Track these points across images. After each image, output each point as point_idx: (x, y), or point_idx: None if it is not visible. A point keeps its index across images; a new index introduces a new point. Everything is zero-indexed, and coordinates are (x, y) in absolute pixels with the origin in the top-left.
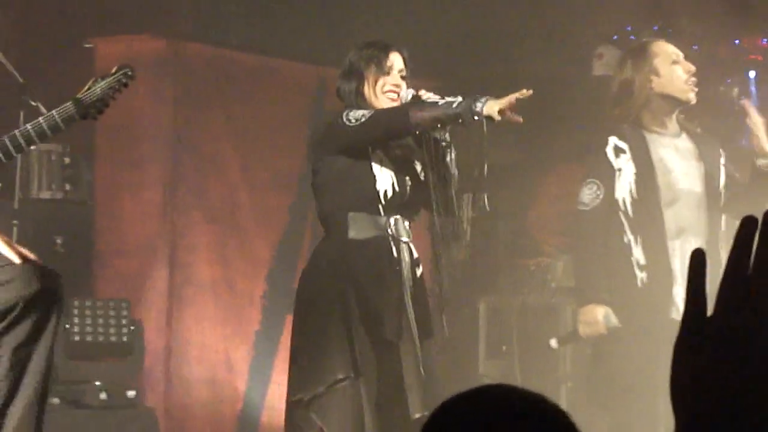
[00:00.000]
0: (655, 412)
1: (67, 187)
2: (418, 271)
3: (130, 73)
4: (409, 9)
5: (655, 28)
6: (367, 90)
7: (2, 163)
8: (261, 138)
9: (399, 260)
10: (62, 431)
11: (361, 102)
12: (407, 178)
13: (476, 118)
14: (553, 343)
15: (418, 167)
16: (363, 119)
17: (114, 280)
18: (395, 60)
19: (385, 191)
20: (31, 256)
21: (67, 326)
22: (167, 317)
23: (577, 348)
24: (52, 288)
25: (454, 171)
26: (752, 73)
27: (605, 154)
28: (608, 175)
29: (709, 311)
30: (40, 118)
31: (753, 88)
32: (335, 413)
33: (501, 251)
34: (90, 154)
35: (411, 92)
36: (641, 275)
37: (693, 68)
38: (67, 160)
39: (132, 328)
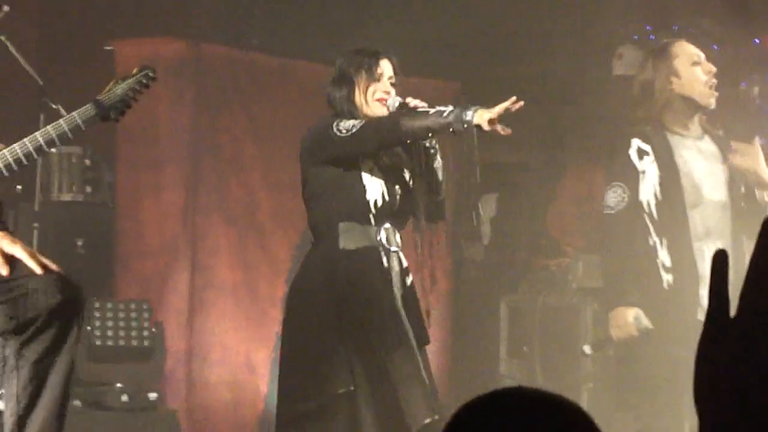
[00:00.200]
0: (680, 413)
1: (88, 189)
2: (408, 280)
3: (151, 74)
4: (429, 10)
5: (675, 27)
6: (358, 97)
7: (23, 166)
8: (281, 139)
9: (389, 269)
10: None
11: (351, 109)
12: (397, 187)
13: (466, 126)
14: (587, 349)
15: (407, 175)
16: (354, 130)
17: (135, 283)
18: (385, 67)
19: (375, 201)
20: (54, 266)
21: (89, 328)
22: (188, 319)
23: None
24: (74, 299)
25: (442, 177)
26: None
27: (629, 156)
28: (632, 177)
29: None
30: (61, 120)
31: None
32: (334, 427)
33: (521, 252)
34: (111, 156)
35: (398, 99)
36: (667, 277)
37: (713, 69)
38: (87, 162)
39: (153, 330)
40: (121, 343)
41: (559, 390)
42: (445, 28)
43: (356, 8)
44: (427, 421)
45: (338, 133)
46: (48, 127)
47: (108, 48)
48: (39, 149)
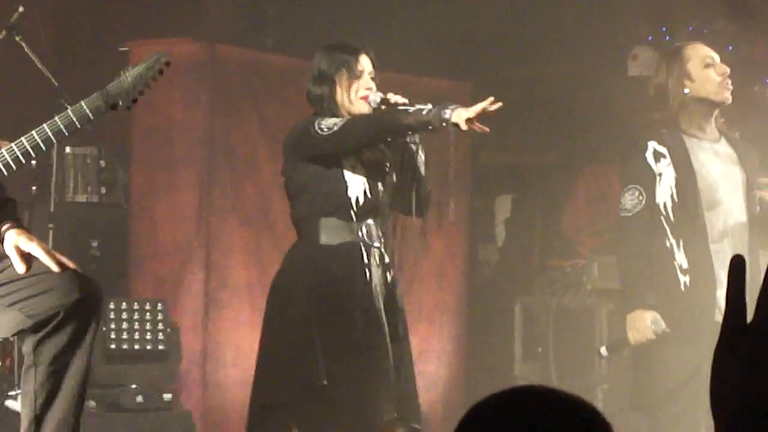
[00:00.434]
0: (697, 416)
1: (103, 190)
2: (389, 276)
3: (164, 59)
4: (441, 11)
5: (690, 28)
6: (340, 95)
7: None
8: None
9: (369, 265)
10: None
11: (333, 107)
12: (379, 183)
13: (444, 125)
14: (603, 351)
15: (390, 171)
16: (335, 128)
17: (149, 283)
18: (365, 63)
19: (357, 198)
20: (71, 264)
21: (104, 329)
22: (203, 320)
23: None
24: (92, 297)
25: (425, 172)
26: None
27: (645, 159)
28: (649, 180)
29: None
30: (68, 110)
31: None
32: (313, 419)
33: (536, 253)
34: (125, 157)
35: (379, 95)
36: (684, 279)
37: (727, 70)
38: (102, 163)
39: (168, 330)
40: (137, 346)
41: (573, 391)
42: (458, 28)
43: (369, 9)
44: (386, 418)
45: (319, 132)
46: (56, 117)
47: (123, 49)
48: (47, 140)
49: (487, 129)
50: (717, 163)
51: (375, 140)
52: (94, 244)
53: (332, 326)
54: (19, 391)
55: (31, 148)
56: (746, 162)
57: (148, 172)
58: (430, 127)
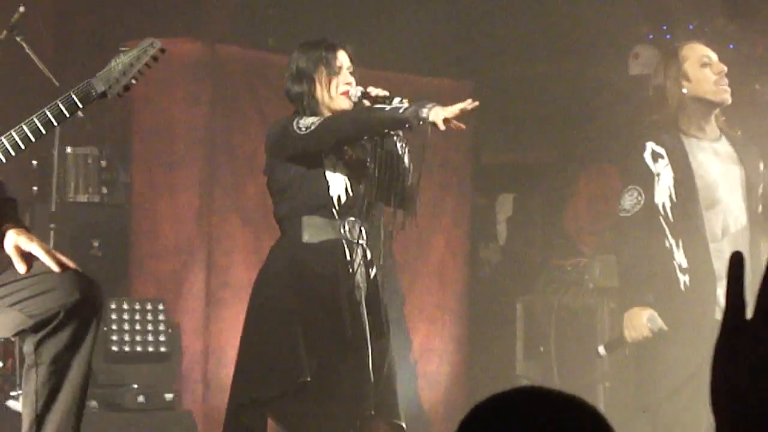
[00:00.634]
0: (698, 414)
1: (104, 190)
2: (372, 272)
3: (157, 46)
4: (442, 11)
5: (691, 27)
6: (320, 92)
7: (40, 165)
8: None
9: (352, 262)
10: None
11: (313, 104)
12: (361, 180)
13: (421, 123)
14: (601, 350)
15: (372, 166)
16: (312, 127)
17: (151, 283)
18: (343, 58)
19: (339, 196)
20: (71, 264)
21: (105, 329)
22: (204, 320)
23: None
24: (92, 297)
25: (408, 164)
26: None
27: (643, 159)
28: (647, 180)
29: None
30: (57, 100)
31: None
32: (295, 415)
33: (538, 252)
34: (126, 157)
35: (360, 89)
36: (684, 278)
37: (724, 68)
38: (103, 163)
39: (169, 330)
40: (138, 348)
41: (575, 390)
42: (459, 27)
43: (369, 8)
44: (365, 414)
45: (298, 131)
46: (45, 108)
47: (124, 49)
48: (36, 131)
49: (464, 126)
50: (716, 162)
51: (352, 138)
52: (96, 244)
53: (315, 323)
54: (20, 392)
55: (20, 140)
56: (747, 160)
57: (149, 171)
58: (407, 125)
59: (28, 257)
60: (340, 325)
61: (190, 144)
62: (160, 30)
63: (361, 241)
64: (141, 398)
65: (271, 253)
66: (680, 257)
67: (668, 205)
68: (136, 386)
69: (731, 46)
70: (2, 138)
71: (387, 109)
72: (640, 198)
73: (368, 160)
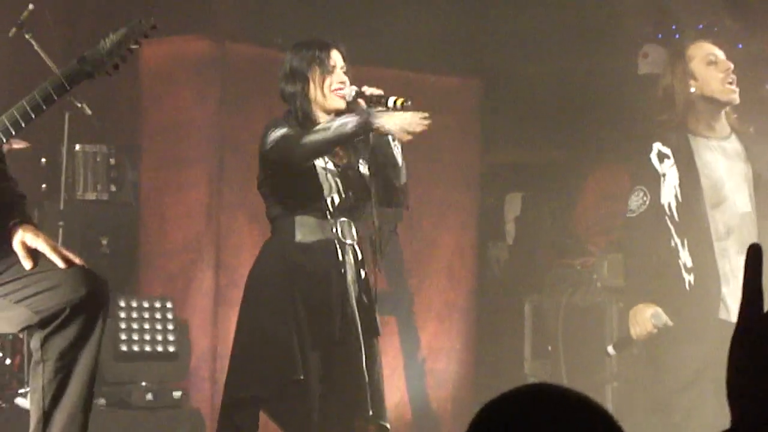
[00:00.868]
0: (705, 412)
1: (113, 187)
2: (363, 273)
3: (148, 23)
4: (452, 8)
5: (700, 26)
6: (313, 91)
7: (49, 163)
8: None
9: (344, 262)
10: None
11: (306, 104)
12: (353, 181)
13: (372, 132)
14: (610, 349)
15: (363, 167)
16: (273, 144)
17: (159, 281)
18: (336, 58)
19: (332, 198)
20: (77, 260)
21: (114, 328)
22: (213, 317)
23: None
24: (99, 293)
25: (401, 162)
26: None
27: (649, 160)
28: (653, 180)
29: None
30: (45, 81)
31: None
32: (289, 413)
33: (546, 251)
34: (135, 155)
35: (354, 89)
36: (689, 278)
37: (730, 66)
38: (112, 161)
39: (178, 329)
40: (147, 348)
41: (583, 389)
42: (467, 25)
43: (378, 6)
44: (364, 416)
45: (265, 143)
46: (34, 92)
47: (132, 46)
48: (26, 115)
49: (410, 137)
50: (723, 160)
51: (298, 159)
52: (104, 241)
53: (308, 322)
54: (29, 389)
55: (10, 125)
56: (757, 157)
57: (157, 169)
58: (359, 137)
59: (34, 253)
60: (331, 326)
61: (199, 142)
62: (169, 28)
63: (352, 242)
64: (149, 396)
65: (262, 251)
66: (685, 257)
67: (674, 205)
68: (144, 384)
69: (740, 46)
70: None
71: (332, 127)
72: (645, 198)
73: (361, 160)
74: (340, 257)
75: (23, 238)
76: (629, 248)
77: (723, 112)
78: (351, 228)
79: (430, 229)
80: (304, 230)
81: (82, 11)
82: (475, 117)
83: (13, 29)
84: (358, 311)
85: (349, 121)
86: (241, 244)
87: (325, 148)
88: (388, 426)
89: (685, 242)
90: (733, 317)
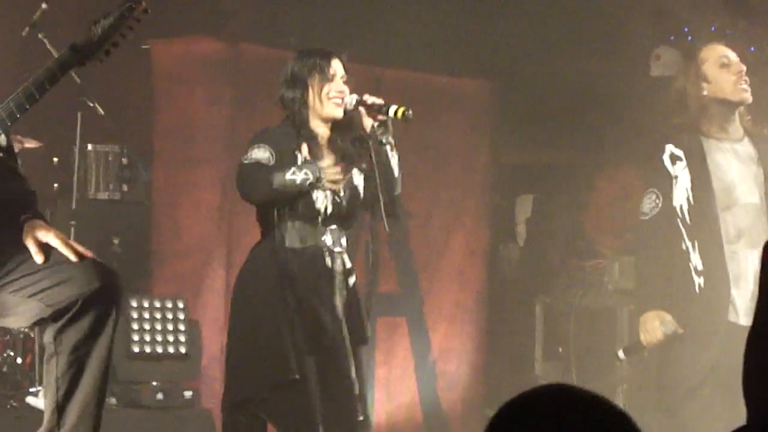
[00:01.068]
0: (716, 415)
1: (125, 187)
2: (351, 281)
3: (140, 6)
4: (466, 10)
5: (713, 29)
6: (312, 97)
7: (61, 163)
8: None
9: (332, 270)
10: (119, 431)
11: (305, 110)
12: (346, 191)
13: (319, 183)
14: (621, 354)
15: (357, 177)
16: (246, 162)
17: (171, 281)
18: (337, 66)
19: (325, 207)
20: (89, 253)
21: (125, 327)
22: (224, 318)
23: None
24: (112, 286)
25: (398, 173)
26: None
27: (662, 162)
28: (666, 183)
29: None
30: (39, 71)
31: None
32: (286, 412)
33: (557, 252)
34: (147, 155)
35: (355, 97)
36: (699, 280)
37: (743, 68)
38: (124, 160)
39: (189, 329)
40: (159, 349)
41: (594, 391)
42: (478, 27)
43: (389, 8)
44: (360, 419)
45: (243, 160)
46: (28, 82)
47: (145, 47)
48: (20, 106)
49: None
50: (735, 163)
51: (255, 201)
52: (116, 241)
53: (298, 326)
54: (39, 388)
55: (6, 115)
56: None
57: (170, 169)
58: (308, 183)
59: (45, 248)
60: (320, 331)
61: (211, 142)
62: (181, 29)
63: (341, 250)
64: (160, 395)
65: (251, 255)
66: (696, 259)
67: (686, 208)
68: (155, 384)
69: (752, 49)
70: None
71: (288, 171)
72: (657, 201)
73: (356, 170)
74: (329, 264)
75: (35, 233)
76: (640, 251)
77: (736, 114)
78: (341, 236)
79: (441, 230)
80: (294, 236)
81: (95, 11)
82: (487, 118)
83: (27, 29)
84: (345, 318)
85: (300, 175)
86: (252, 244)
87: (281, 198)
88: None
89: (696, 245)
90: (742, 320)
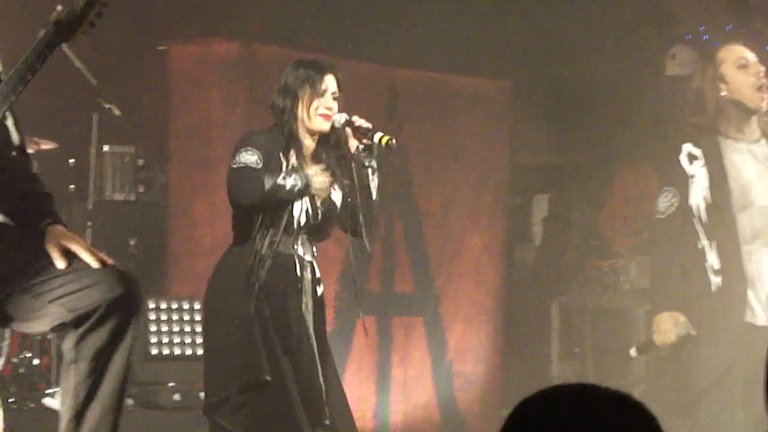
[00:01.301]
0: (732, 415)
1: (141, 188)
2: (319, 290)
3: None
4: (481, 10)
5: (729, 28)
6: (301, 110)
7: (77, 164)
8: None
9: (302, 278)
10: None
11: (293, 121)
12: (322, 205)
13: (314, 191)
14: (633, 352)
15: (336, 195)
16: (236, 166)
17: (187, 281)
18: (330, 82)
19: (299, 217)
20: (110, 261)
21: (142, 328)
22: None
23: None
24: (133, 293)
25: (376, 196)
26: None
27: (679, 161)
28: (682, 182)
29: None
30: (26, 53)
31: None
32: (258, 413)
33: (573, 252)
34: (163, 156)
35: (344, 116)
36: (716, 280)
37: (761, 70)
38: (140, 162)
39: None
40: (176, 351)
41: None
42: (496, 27)
43: (406, 8)
44: (326, 423)
45: (232, 164)
46: (18, 66)
47: (161, 48)
48: (14, 89)
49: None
50: (752, 164)
51: (247, 204)
52: (132, 242)
53: (270, 329)
54: (56, 390)
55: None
56: None
57: (185, 170)
58: (290, 195)
59: (67, 253)
60: (289, 336)
61: (227, 143)
62: (197, 30)
63: (311, 259)
64: (176, 396)
65: (225, 258)
66: (713, 259)
67: (702, 207)
68: (172, 384)
69: (767, 48)
70: None
71: (279, 181)
72: (674, 200)
73: (336, 187)
74: (299, 273)
75: (58, 239)
76: (656, 250)
77: (753, 116)
78: (311, 246)
79: (458, 230)
80: (266, 243)
81: (110, 11)
82: (503, 119)
83: (41, 30)
84: (312, 326)
85: (290, 181)
86: None
87: (272, 202)
88: None
89: (713, 244)
90: (759, 320)
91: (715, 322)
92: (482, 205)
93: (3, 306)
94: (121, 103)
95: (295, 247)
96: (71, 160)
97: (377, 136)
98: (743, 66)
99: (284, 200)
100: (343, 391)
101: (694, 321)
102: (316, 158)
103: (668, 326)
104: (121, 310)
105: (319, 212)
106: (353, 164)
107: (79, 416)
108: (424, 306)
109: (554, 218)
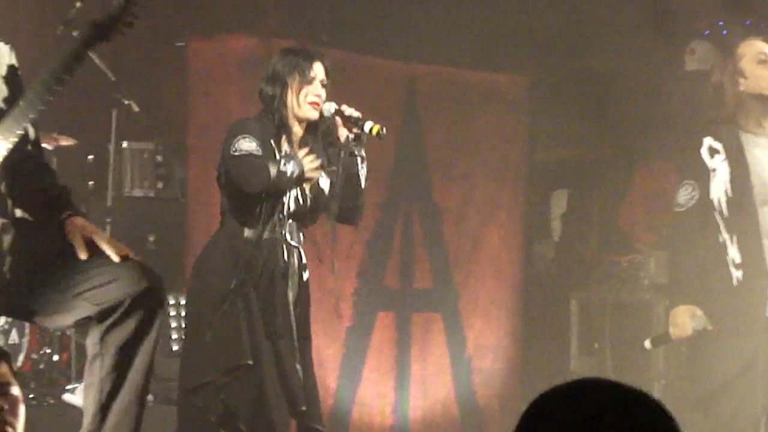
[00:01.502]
0: (754, 409)
1: (160, 184)
2: (305, 275)
3: None
4: (499, 6)
5: (747, 23)
6: (290, 97)
7: (96, 160)
8: None
9: (288, 263)
10: (156, 428)
11: (282, 108)
12: (310, 191)
13: (305, 182)
14: (647, 344)
15: (324, 181)
16: (238, 153)
17: None
18: (318, 70)
19: (289, 203)
20: (130, 252)
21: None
22: None
23: (671, 346)
24: (157, 288)
25: (364, 185)
26: None
27: (700, 154)
28: (703, 175)
29: None
30: (63, 53)
31: None
32: (240, 396)
33: (592, 247)
34: (182, 152)
35: (333, 106)
36: (737, 274)
37: None
38: (159, 158)
39: None
40: None
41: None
42: (515, 22)
43: (424, 3)
44: (303, 409)
45: (232, 152)
46: (53, 65)
47: (180, 44)
48: (50, 90)
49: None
50: None
51: (253, 190)
52: (151, 238)
53: (254, 313)
54: (76, 385)
55: (39, 100)
56: None
57: (204, 166)
58: (290, 181)
59: (90, 244)
60: (274, 321)
61: None
62: (216, 26)
63: (298, 245)
64: None
65: (212, 242)
66: (734, 252)
67: (723, 201)
68: None
69: None
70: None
71: (281, 170)
72: (694, 193)
73: (323, 174)
74: (285, 258)
75: (81, 230)
76: (676, 244)
77: None
78: (298, 231)
79: (476, 226)
80: (253, 227)
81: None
82: (522, 114)
83: (61, 27)
84: (294, 312)
85: (288, 169)
86: None
87: (279, 188)
88: (323, 430)
89: (734, 238)
90: None
91: (736, 316)
92: (501, 200)
93: (26, 301)
94: (140, 99)
95: (283, 232)
96: (90, 157)
97: (368, 125)
98: (763, 61)
99: (285, 187)
100: (314, 376)
101: (714, 315)
102: (303, 145)
103: (685, 319)
104: (145, 305)
105: (308, 198)
106: (342, 153)
107: (104, 410)
108: (443, 302)
109: (573, 213)
